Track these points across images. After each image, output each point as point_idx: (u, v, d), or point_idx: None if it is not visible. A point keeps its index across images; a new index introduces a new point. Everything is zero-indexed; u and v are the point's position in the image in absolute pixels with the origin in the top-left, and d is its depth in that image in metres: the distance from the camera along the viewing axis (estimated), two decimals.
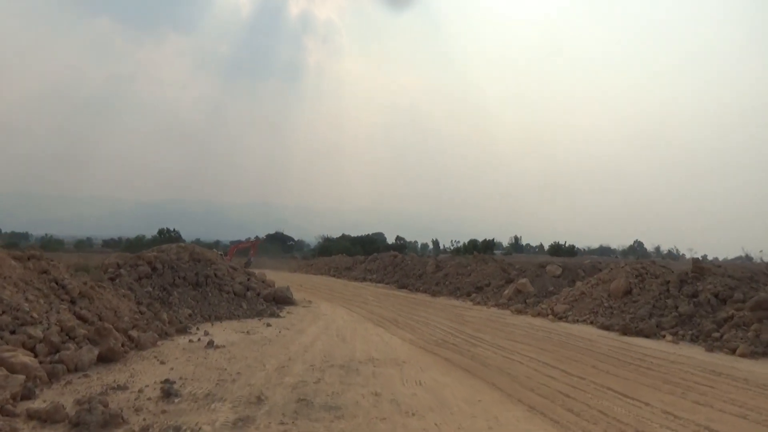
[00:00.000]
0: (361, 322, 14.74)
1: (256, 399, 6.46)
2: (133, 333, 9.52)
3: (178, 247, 17.30)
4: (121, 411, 5.65)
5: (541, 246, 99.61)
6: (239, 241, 59.21)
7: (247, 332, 11.91)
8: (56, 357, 7.37)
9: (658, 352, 10.96)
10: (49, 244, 75.13)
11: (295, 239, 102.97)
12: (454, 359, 9.68)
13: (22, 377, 6.07)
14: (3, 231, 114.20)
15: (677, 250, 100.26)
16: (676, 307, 13.84)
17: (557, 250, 73.13)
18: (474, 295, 22.74)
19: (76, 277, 10.99)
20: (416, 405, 6.54)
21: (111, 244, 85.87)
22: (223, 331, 11.93)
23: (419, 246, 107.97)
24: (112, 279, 13.66)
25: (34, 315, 8.02)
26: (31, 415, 5.43)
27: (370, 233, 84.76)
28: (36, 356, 7.24)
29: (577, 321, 15.58)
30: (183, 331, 11.57)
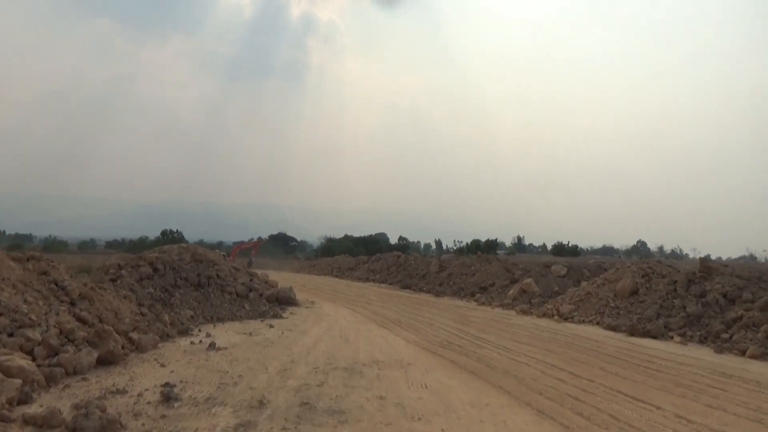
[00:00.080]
0: (365, 323, 14.58)
1: (258, 403, 6.30)
2: (134, 335, 9.38)
3: (179, 247, 17.16)
4: (120, 416, 5.51)
5: (544, 246, 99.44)
6: (242, 242, 59.17)
7: (250, 334, 11.76)
8: (55, 360, 7.23)
9: (667, 354, 10.78)
10: (53, 245, 75.25)
11: (298, 240, 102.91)
12: (460, 361, 9.51)
13: (18, 381, 5.93)
14: (6, 232, 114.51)
15: (680, 249, 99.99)
16: (684, 308, 13.67)
17: (560, 249, 72.96)
18: (478, 295, 22.57)
19: (76, 278, 10.85)
20: (422, 409, 6.38)
21: (114, 245, 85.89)
22: (225, 333, 11.78)
23: (422, 246, 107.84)
24: (113, 280, 13.53)
25: (33, 317, 7.88)
26: (27, 421, 5.29)
27: (373, 233, 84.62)
28: (34, 359, 7.11)
29: (583, 321, 15.40)
30: (184, 332, 11.42)
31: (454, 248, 79.10)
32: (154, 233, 72.47)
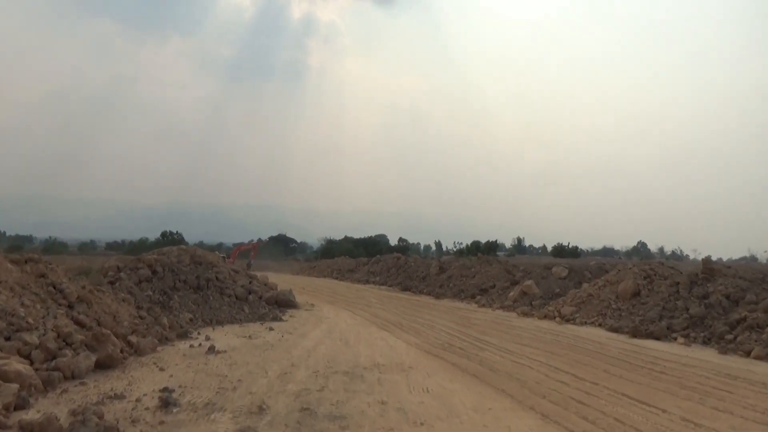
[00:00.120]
0: (365, 325, 14.48)
1: (258, 408, 6.20)
2: (133, 338, 9.28)
3: (178, 249, 17.06)
4: (117, 422, 5.42)
5: (544, 247, 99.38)
6: (242, 243, 59.08)
7: (249, 337, 11.67)
8: (52, 364, 7.14)
9: (671, 355, 10.69)
10: (53, 246, 75.22)
11: (298, 241, 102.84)
12: (461, 364, 9.41)
13: (15, 386, 5.83)
14: (7, 234, 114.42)
15: (681, 250, 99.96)
16: (687, 309, 13.57)
17: (561, 251, 72.87)
18: (479, 297, 22.48)
19: (74, 281, 10.75)
20: (424, 414, 6.28)
21: (114, 247, 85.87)
22: (224, 336, 11.68)
23: (422, 247, 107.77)
24: (111, 283, 13.43)
25: (30, 320, 7.79)
26: (24, 427, 5.18)
27: (373, 235, 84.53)
28: (32, 363, 7.01)
29: (585, 323, 15.30)
30: (184, 336, 11.33)
31: (454, 250, 79.05)
32: (154, 235, 72.46)
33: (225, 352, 9.75)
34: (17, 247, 66.75)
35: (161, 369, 8.17)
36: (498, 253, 65.58)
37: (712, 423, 6.21)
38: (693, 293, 14.21)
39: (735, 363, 10.09)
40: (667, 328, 13.03)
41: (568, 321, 15.87)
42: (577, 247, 76.81)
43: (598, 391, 7.65)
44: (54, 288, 9.67)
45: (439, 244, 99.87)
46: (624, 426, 6.04)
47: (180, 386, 7.13)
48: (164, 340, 10.53)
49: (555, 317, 16.38)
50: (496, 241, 71.45)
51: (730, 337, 11.83)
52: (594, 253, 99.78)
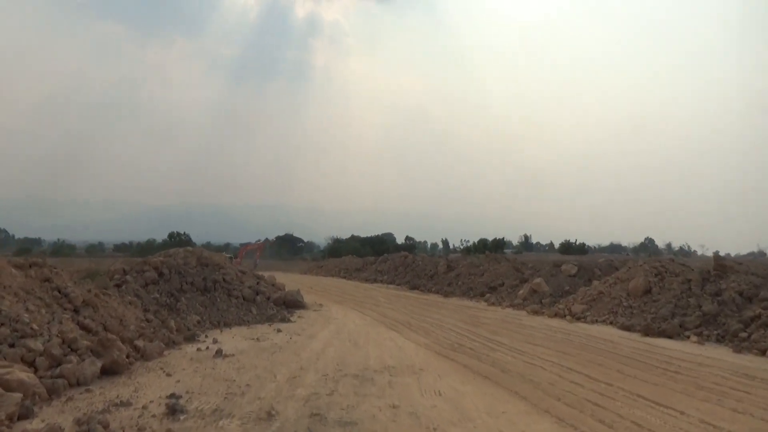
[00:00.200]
0: (374, 325, 14.34)
1: (267, 414, 6.07)
2: (139, 342, 9.16)
3: (185, 251, 16.96)
4: (123, 431, 5.30)
5: (551, 244, 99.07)
6: (248, 243, 59.14)
7: (257, 339, 11.55)
8: (57, 371, 7.03)
9: (685, 354, 10.49)
10: (61, 249, 75.66)
11: (305, 241, 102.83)
12: (473, 365, 9.25)
13: (18, 396, 5.72)
14: (16, 237, 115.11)
15: (689, 246, 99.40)
16: (700, 307, 13.35)
17: (568, 248, 72.72)
18: (488, 295, 22.29)
19: (79, 284, 10.66)
20: (437, 418, 6.13)
21: (122, 249, 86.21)
22: (232, 338, 11.57)
23: (429, 246, 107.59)
24: (118, 285, 13.34)
25: (34, 326, 7.68)
26: None
27: (380, 234, 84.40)
28: (36, 370, 6.92)
29: (596, 321, 15.11)
30: (191, 338, 11.22)
31: (461, 247, 78.89)
32: (161, 236, 72.67)
33: (233, 355, 9.64)
34: (26, 249, 67.19)
35: (168, 374, 8.06)
36: (505, 250, 65.42)
37: (731, 426, 6.03)
38: (705, 290, 13.99)
39: (751, 362, 9.88)
40: (680, 326, 12.82)
41: (578, 319, 15.67)
42: (584, 244, 76.61)
43: (613, 392, 7.48)
44: (59, 292, 9.58)
45: (446, 242, 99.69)
46: (642, 429, 5.87)
47: (187, 392, 7.01)
48: (171, 344, 10.43)
49: (565, 315, 16.18)
50: (503, 238, 71.33)
51: (744, 335, 11.61)
52: (601, 249, 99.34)
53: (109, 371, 7.81)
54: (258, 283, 17.24)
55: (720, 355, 10.55)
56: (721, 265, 14.80)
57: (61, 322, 8.38)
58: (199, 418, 5.93)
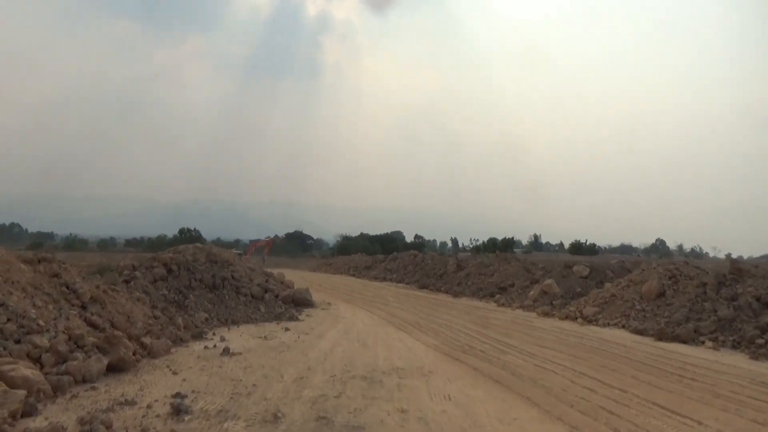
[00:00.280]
0: (383, 325, 14.20)
1: (273, 417, 5.95)
2: (146, 340, 9.09)
3: (194, 247, 16.90)
4: (126, 431, 5.20)
5: (561, 244, 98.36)
6: (258, 240, 59.29)
7: (265, 337, 11.46)
8: (63, 368, 6.96)
9: (700, 360, 10.26)
10: (74, 243, 76.37)
11: (314, 238, 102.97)
12: (483, 368, 9.08)
13: (22, 393, 5.64)
14: (29, 231, 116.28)
15: (701, 248, 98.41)
16: (715, 311, 13.08)
17: (578, 248, 72.18)
18: (498, 296, 22.08)
19: (88, 280, 10.61)
20: (447, 424, 5.98)
21: (133, 244, 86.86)
22: (239, 337, 11.49)
23: (438, 244, 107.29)
24: (126, 281, 13.31)
25: (41, 322, 7.62)
26: None
27: (389, 231, 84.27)
28: (42, 367, 6.85)
29: (608, 325, 14.87)
30: (199, 336, 11.14)
31: (471, 246, 78.58)
32: (172, 231, 73.13)
33: (240, 354, 9.54)
34: (38, 244, 67.84)
35: (174, 372, 7.96)
36: (514, 250, 65.07)
37: None
38: (721, 294, 13.71)
39: None
40: (695, 331, 12.56)
41: (590, 322, 15.44)
42: (594, 245, 75.98)
43: (628, 399, 7.29)
44: (67, 288, 9.53)
45: (455, 241, 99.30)
46: None
47: (193, 391, 6.91)
48: (179, 341, 10.36)
49: (577, 318, 15.96)
50: (512, 237, 70.94)
51: (761, 341, 11.34)
52: (612, 250, 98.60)
53: (115, 368, 7.73)
54: (267, 281, 17.16)
55: (736, 361, 10.31)
56: (737, 269, 14.51)
57: (68, 318, 8.33)
58: (203, 419, 5.82)
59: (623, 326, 14.41)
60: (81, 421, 5.34)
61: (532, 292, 20.24)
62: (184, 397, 6.51)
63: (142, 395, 6.66)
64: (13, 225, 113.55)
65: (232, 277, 15.73)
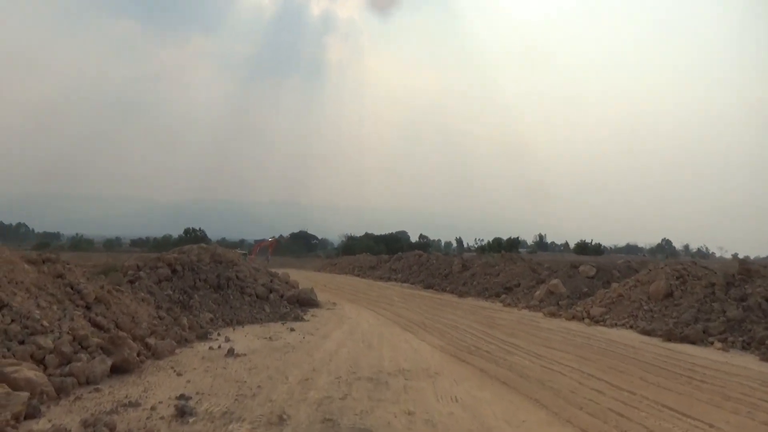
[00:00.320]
0: (388, 325, 14.13)
1: (278, 419, 5.88)
2: (151, 340, 9.04)
3: (199, 248, 16.87)
4: None
5: (566, 244, 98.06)
6: (263, 240, 59.33)
7: (270, 338, 11.39)
8: (66, 369, 6.90)
9: (709, 362, 10.13)
10: (79, 243, 76.62)
11: (319, 238, 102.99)
12: (490, 370, 8.99)
13: (25, 395, 5.59)
14: (35, 231, 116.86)
15: (707, 248, 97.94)
16: (724, 312, 12.95)
17: (584, 248, 71.82)
18: (503, 296, 21.98)
19: (92, 280, 10.58)
20: (454, 427, 5.89)
21: (139, 244, 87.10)
22: (244, 337, 11.43)
23: (443, 244, 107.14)
24: (131, 282, 13.29)
25: (45, 323, 7.58)
26: None
27: (394, 231, 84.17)
28: (45, 368, 6.81)
29: (616, 325, 14.75)
30: (203, 337, 11.09)
31: (476, 246, 78.39)
32: (177, 231, 73.24)
33: (245, 354, 9.48)
34: (44, 244, 68.11)
35: (179, 374, 7.91)
36: (520, 249, 64.87)
37: None
38: (730, 295, 13.58)
39: None
40: (703, 332, 12.44)
41: (597, 322, 15.32)
42: (600, 244, 75.63)
43: (637, 401, 7.19)
44: (71, 288, 9.49)
45: (460, 241, 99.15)
46: None
47: (197, 393, 6.85)
48: (183, 342, 10.30)
49: (583, 318, 15.84)
50: (518, 237, 70.71)
51: None
52: (617, 250, 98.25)
53: (119, 370, 7.68)
54: (271, 281, 17.11)
55: (746, 363, 10.19)
56: (746, 269, 14.37)
57: (72, 319, 8.28)
58: (208, 421, 5.75)
59: (631, 327, 14.29)
60: (84, 424, 5.29)
61: (538, 292, 20.13)
62: (188, 398, 6.45)
63: (146, 397, 6.61)
64: (19, 225, 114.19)
65: (237, 277, 15.69)
